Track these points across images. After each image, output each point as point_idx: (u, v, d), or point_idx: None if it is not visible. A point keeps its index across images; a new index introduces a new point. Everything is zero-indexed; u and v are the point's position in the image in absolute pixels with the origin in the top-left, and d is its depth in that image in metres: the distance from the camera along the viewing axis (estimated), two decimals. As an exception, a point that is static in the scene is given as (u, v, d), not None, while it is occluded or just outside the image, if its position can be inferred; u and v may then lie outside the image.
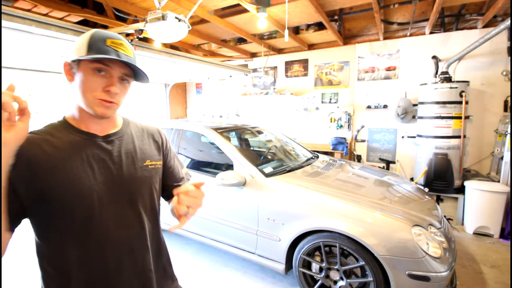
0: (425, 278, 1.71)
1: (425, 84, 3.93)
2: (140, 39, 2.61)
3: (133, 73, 0.84)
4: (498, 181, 3.38)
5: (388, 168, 4.64)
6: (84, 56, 0.76)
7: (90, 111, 0.79)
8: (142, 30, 2.42)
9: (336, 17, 4.26)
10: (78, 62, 0.78)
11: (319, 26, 4.48)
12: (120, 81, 0.81)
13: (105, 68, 0.77)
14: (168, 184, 1.04)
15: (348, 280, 1.98)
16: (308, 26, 4.58)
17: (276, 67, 5.87)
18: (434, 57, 4.23)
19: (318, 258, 2.11)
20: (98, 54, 0.76)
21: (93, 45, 0.77)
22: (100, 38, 0.79)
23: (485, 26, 3.98)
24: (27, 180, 0.72)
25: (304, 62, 5.54)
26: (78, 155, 0.79)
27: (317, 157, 3.22)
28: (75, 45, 0.81)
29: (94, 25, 3.87)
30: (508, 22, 2.92)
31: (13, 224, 0.73)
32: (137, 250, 0.86)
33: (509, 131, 3.26)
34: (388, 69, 4.73)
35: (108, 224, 0.80)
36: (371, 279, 1.85)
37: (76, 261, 0.78)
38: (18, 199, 0.72)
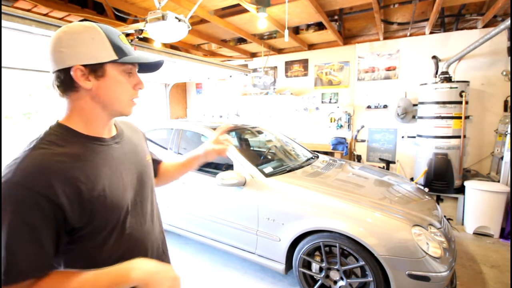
0: (425, 278, 1.71)
1: (425, 84, 3.93)
2: (140, 39, 2.61)
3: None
4: (498, 181, 3.38)
5: (388, 168, 4.64)
6: (117, 60, 0.72)
7: (118, 114, 0.79)
8: (142, 30, 2.42)
9: (336, 17, 4.26)
10: (101, 65, 0.72)
11: (319, 26, 4.47)
12: None
13: (133, 68, 0.78)
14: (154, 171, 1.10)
15: (348, 280, 1.98)
16: (308, 26, 4.58)
17: (276, 67, 5.87)
18: (434, 57, 4.23)
19: (318, 258, 2.11)
20: (126, 54, 0.75)
21: (116, 45, 0.74)
22: (114, 35, 0.75)
23: (485, 26, 3.98)
24: (78, 202, 0.67)
25: (304, 62, 5.54)
26: (103, 162, 0.75)
27: (317, 157, 3.22)
28: (79, 45, 0.71)
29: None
30: (508, 22, 2.92)
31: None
32: (158, 238, 0.92)
33: (509, 131, 3.26)
34: (388, 69, 4.73)
35: (138, 220, 0.83)
36: (371, 279, 1.85)
37: (107, 259, 0.75)
38: (60, 232, 0.66)
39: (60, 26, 2.05)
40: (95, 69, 0.71)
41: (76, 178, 0.67)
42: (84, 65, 0.70)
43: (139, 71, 0.85)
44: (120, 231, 0.77)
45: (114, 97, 0.75)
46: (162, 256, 0.94)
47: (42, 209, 0.61)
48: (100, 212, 0.71)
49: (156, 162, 1.11)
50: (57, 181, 0.63)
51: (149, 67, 0.84)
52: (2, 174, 0.63)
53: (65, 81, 0.71)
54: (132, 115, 0.83)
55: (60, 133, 0.72)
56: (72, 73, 0.70)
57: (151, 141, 3.25)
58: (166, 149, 2.99)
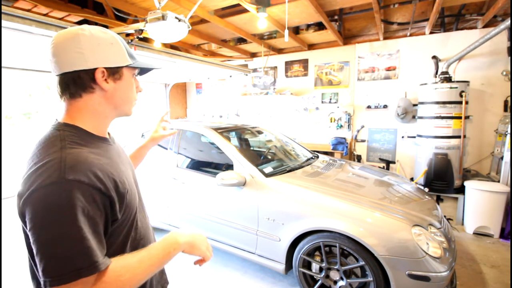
0: (425, 278, 1.72)
1: (425, 84, 3.93)
2: (140, 39, 2.61)
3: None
4: (498, 181, 3.38)
5: (388, 168, 4.64)
6: (131, 65, 0.81)
7: (124, 114, 0.85)
8: (142, 30, 2.42)
9: (336, 17, 4.26)
10: (119, 68, 0.78)
11: (319, 26, 4.47)
12: None
13: (135, 71, 0.86)
14: None
15: (348, 280, 1.98)
16: (308, 26, 4.58)
17: (276, 67, 5.87)
18: (434, 57, 4.23)
19: (318, 258, 2.11)
20: (134, 59, 0.82)
21: (128, 51, 0.81)
22: (125, 42, 0.82)
23: (485, 26, 3.98)
24: (119, 195, 0.72)
25: (304, 62, 5.54)
26: (117, 159, 0.81)
27: (317, 157, 3.22)
28: (100, 49, 0.74)
29: (94, 25, 3.87)
30: (508, 22, 2.92)
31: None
32: (151, 232, 0.97)
33: (509, 131, 3.26)
34: (388, 69, 4.73)
35: (142, 215, 0.89)
36: (371, 279, 1.85)
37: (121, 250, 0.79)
38: (108, 223, 0.71)
39: (60, 26, 2.04)
40: (114, 72, 0.77)
41: (112, 173, 0.71)
42: (106, 68, 0.75)
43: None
44: (135, 225, 0.82)
45: (126, 98, 0.82)
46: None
47: (96, 202, 0.65)
48: (128, 205, 0.76)
49: None
50: (103, 176, 0.68)
51: (143, 70, 0.92)
52: (43, 177, 0.61)
53: (83, 82, 0.73)
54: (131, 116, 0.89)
55: (77, 134, 0.73)
56: (96, 75, 0.74)
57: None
58: (166, 149, 2.99)
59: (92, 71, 0.73)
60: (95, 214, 0.64)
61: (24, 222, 0.63)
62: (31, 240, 0.61)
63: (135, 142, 3.12)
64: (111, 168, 0.72)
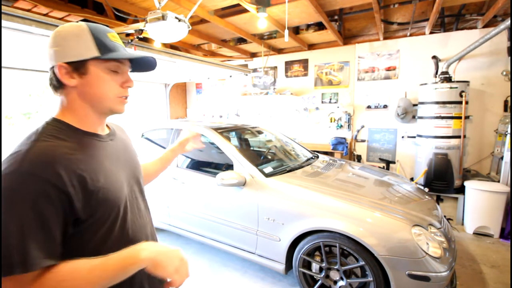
0: (425, 278, 1.71)
1: (425, 84, 3.93)
2: (140, 39, 2.61)
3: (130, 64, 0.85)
4: (498, 181, 3.38)
5: (388, 168, 4.64)
6: (100, 56, 0.73)
7: (108, 111, 0.79)
8: (142, 30, 2.42)
9: (336, 17, 4.26)
10: (83, 62, 0.72)
11: (319, 26, 4.47)
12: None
13: (120, 65, 0.78)
14: None
15: (348, 280, 1.98)
16: (308, 26, 4.58)
17: (276, 67, 5.87)
18: (434, 57, 4.23)
19: (318, 258, 2.11)
20: (111, 51, 0.75)
21: (101, 42, 0.74)
22: (102, 33, 0.75)
23: (485, 26, 3.98)
24: (84, 193, 0.68)
25: (304, 62, 5.54)
26: (102, 156, 0.77)
27: (317, 157, 3.22)
28: (64, 43, 0.72)
29: (94, 25, 3.87)
30: (508, 22, 2.92)
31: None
32: (149, 235, 0.92)
33: (509, 131, 3.26)
34: (388, 69, 4.73)
35: (135, 216, 0.84)
36: (371, 279, 1.85)
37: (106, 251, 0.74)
38: (68, 222, 0.66)
39: (60, 26, 1.99)
40: (78, 67, 0.72)
41: (81, 169, 0.68)
42: (68, 63, 0.72)
43: (134, 70, 0.86)
44: (120, 226, 0.77)
45: (99, 94, 0.76)
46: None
47: (50, 197, 0.62)
48: (102, 204, 0.72)
49: None
50: (64, 171, 0.64)
51: (144, 66, 0.86)
52: (5, 166, 0.63)
53: (54, 79, 0.74)
54: (124, 113, 0.83)
55: (59, 128, 0.73)
56: (55, 70, 0.73)
57: (151, 141, 3.26)
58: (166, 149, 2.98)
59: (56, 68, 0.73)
60: (45, 209, 0.61)
61: None
62: None
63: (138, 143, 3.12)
64: (83, 163, 0.69)
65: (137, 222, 0.85)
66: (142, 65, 0.86)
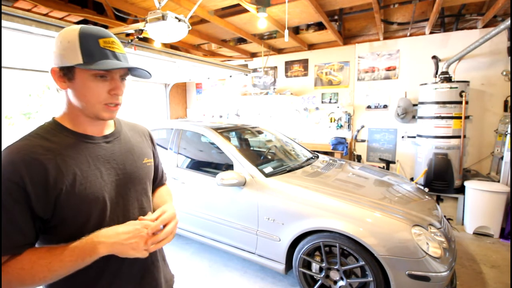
0: (425, 278, 1.71)
1: (425, 84, 3.93)
2: (140, 39, 2.61)
3: (128, 69, 0.82)
4: (498, 181, 3.38)
5: (388, 168, 4.64)
6: (83, 65, 0.73)
7: (94, 117, 0.79)
8: (142, 30, 2.42)
9: (336, 17, 4.25)
10: (70, 68, 0.74)
11: (319, 26, 4.47)
12: (120, 81, 0.80)
13: (107, 73, 0.76)
14: (154, 180, 1.07)
15: (348, 280, 1.98)
16: (308, 26, 4.57)
17: (276, 67, 5.87)
18: (434, 57, 4.23)
19: (318, 258, 2.11)
20: (96, 59, 0.73)
21: (87, 49, 0.73)
22: (92, 39, 0.74)
23: (485, 26, 3.98)
24: (43, 193, 0.69)
25: (304, 62, 5.54)
26: (83, 158, 0.77)
27: (317, 157, 3.22)
28: (59, 48, 0.74)
29: (94, 25, 3.87)
30: (508, 22, 2.92)
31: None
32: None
33: (509, 131, 3.26)
34: (388, 69, 4.73)
35: (119, 223, 0.80)
36: (371, 279, 1.85)
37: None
38: (35, 217, 0.70)
39: (60, 26, 2.05)
40: (67, 72, 0.75)
41: (46, 169, 0.70)
42: (60, 67, 0.75)
43: (134, 75, 0.85)
44: (94, 229, 0.74)
45: (85, 100, 0.76)
46: (150, 265, 0.91)
47: (12, 194, 0.66)
48: (67, 206, 0.72)
49: (156, 179, 1.08)
50: (27, 171, 0.67)
51: (139, 73, 0.83)
52: None
53: (52, 81, 0.78)
54: (112, 117, 0.83)
55: (49, 128, 0.78)
56: (50, 72, 0.76)
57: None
58: (166, 149, 2.99)
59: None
60: (9, 205, 0.66)
61: None
62: None
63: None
64: (52, 164, 0.71)
65: None
66: (139, 71, 0.83)
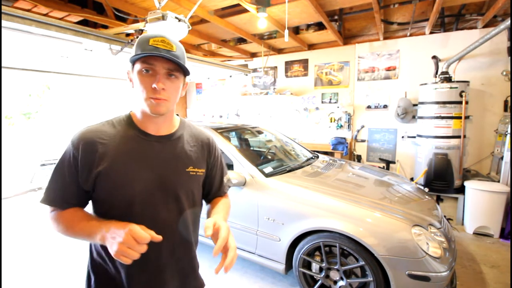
0: (425, 278, 1.71)
1: (425, 84, 3.93)
2: (140, 39, 2.61)
3: (180, 67, 0.85)
4: (498, 181, 3.38)
5: (388, 168, 4.64)
6: (132, 57, 0.83)
7: (146, 110, 0.85)
8: (142, 30, 2.42)
9: (336, 17, 4.25)
10: (132, 67, 0.85)
11: (319, 26, 4.47)
12: (167, 77, 0.83)
13: (150, 67, 0.81)
14: (208, 190, 1.09)
15: (348, 280, 1.98)
16: (308, 26, 4.57)
17: (276, 67, 5.87)
18: (434, 57, 4.23)
19: (318, 258, 2.11)
20: (144, 51, 0.82)
21: (139, 48, 0.83)
22: (145, 40, 0.83)
23: (485, 26, 3.98)
24: (87, 170, 0.82)
25: (304, 62, 5.54)
26: (130, 150, 0.86)
27: (317, 157, 3.22)
28: (135, 46, 0.87)
29: (94, 25, 3.87)
30: (508, 22, 2.92)
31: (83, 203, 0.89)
32: (170, 255, 0.93)
33: (509, 131, 3.26)
34: (388, 69, 4.73)
35: (146, 218, 0.84)
36: (371, 279, 1.85)
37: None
38: (78, 185, 0.84)
39: (60, 26, 2.04)
40: (130, 72, 0.88)
41: (97, 151, 0.82)
42: (129, 69, 0.87)
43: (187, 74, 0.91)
44: (121, 218, 0.79)
45: (137, 94, 0.84)
46: (182, 278, 1.00)
47: (70, 162, 0.83)
48: (102, 187, 0.83)
49: (211, 190, 1.10)
50: (85, 148, 0.82)
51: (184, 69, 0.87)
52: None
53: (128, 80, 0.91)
54: (159, 112, 0.84)
55: (121, 118, 0.91)
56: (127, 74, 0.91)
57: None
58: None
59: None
60: (65, 168, 0.83)
61: None
62: None
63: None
64: (104, 148, 0.83)
65: (152, 223, 0.82)
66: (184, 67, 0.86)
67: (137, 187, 0.84)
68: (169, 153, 0.91)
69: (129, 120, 0.90)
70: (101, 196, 0.85)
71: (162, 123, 0.90)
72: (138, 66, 0.82)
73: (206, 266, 2.70)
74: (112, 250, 0.70)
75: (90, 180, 0.82)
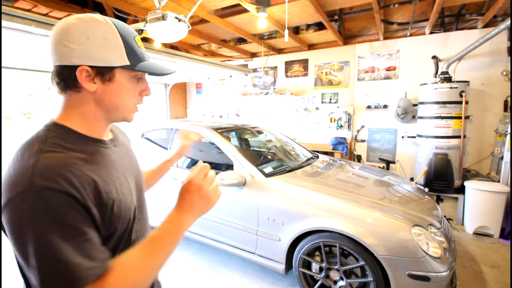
0: (425, 278, 1.72)
1: (425, 84, 3.93)
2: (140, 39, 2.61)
3: None
4: (498, 181, 3.38)
5: (388, 168, 4.64)
6: (130, 66, 0.68)
7: (121, 119, 0.74)
8: (142, 30, 2.42)
9: (336, 17, 4.25)
10: (110, 69, 0.66)
11: (319, 26, 4.47)
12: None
13: (143, 73, 0.73)
14: None
15: (348, 280, 1.98)
16: (308, 26, 4.57)
17: (276, 67, 5.87)
18: (434, 57, 4.23)
19: (318, 258, 2.11)
20: (141, 60, 0.70)
21: (131, 49, 0.68)
22: (130, 37, 0.69)
23: (485, 26, 3.98)
24: (99, 208, 0.62)
25: (304, 62, 5.54)
26: (108, 164, 0.70)
27: (317, 157, 3.22)
28: (87, 44, 0.64)
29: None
30: (508, 22, 2.92)
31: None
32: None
33: (509, 131, 3.26)
34: (388, 69, 4.73)
35: (140, 226, 0.81)
36: (371, 279, 1.85)
37: None
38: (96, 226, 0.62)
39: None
40: (103, 72, 0.66)
41: (94, 180, 0.62)
42: (91, 66, 0.64)
43: (150, 74, 0.81)
44: (126, 238, 0.73)
45: (119, 103, 0.70)
46: None
47: (76, 208, 0.56)
48: (116, 218, 0.66)
49: None
50: (80, 183, 0.58)
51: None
52: (14, 184, 0.55)
53: (67, 79, 0.65)
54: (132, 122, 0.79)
55: (63, 135, 0.65)
56: (77, 73, 0.64)
57: (151, 141, 3.25)
58: (166, 149, 2.99)
59: (74, 69, 0.64)
60: (74, 221, 0.56)
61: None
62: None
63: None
64: (95, 174, 0.63)
65: (141, 233, 0.80)
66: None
67: (133, 199, 0.77)
68: (126, 152, 0.84)
69: (73, 133, 0.67)
70: (115, 229, 0.68)
71: (108, 127, 0.78)
72: (130, 71, 0.69)
73: (206, 266, 2.70)
74: (218, 195, 0.79)
75: (106, 217, 0.64)
